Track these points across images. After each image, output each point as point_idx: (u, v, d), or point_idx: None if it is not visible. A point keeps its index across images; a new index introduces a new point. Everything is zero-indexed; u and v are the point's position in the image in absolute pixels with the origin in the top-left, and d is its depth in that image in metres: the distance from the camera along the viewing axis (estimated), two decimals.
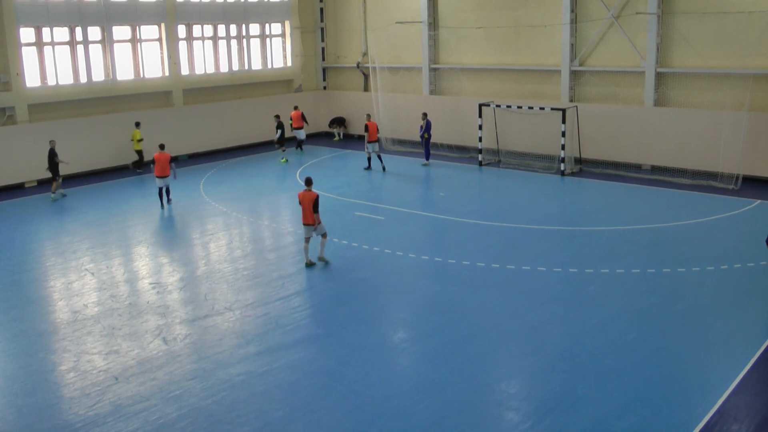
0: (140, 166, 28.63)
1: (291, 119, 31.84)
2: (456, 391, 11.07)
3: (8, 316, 14.69)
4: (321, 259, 17.19)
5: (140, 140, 28.31)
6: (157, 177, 22.57)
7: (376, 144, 27.48)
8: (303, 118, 31.95)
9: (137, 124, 28.48)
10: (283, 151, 30.06)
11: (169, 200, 23.18)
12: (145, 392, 11.36)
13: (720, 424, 10.05)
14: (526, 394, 11.10)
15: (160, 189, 22.88)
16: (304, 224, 16.97)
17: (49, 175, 24.69)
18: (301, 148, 32.21)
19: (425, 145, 28.51)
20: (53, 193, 24.52)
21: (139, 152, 28.47)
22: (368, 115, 28.33)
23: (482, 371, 11.79)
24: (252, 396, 11.14)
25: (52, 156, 24.30)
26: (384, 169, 27.41)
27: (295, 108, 32.56)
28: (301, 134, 31.99)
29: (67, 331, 13.84)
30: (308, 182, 17.08)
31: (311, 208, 16.68)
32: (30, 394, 11.47)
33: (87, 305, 15.07)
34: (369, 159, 27.79)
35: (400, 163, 29.21)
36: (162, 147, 23.03)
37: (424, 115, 28.24)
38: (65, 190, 25.34)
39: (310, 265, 17.01)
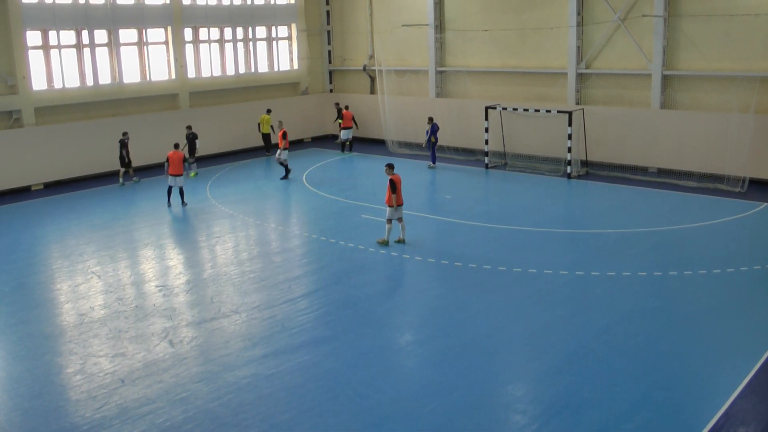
0: (269, 149, 31.96)
1: (342, 119, 32.25)
2: (462, 394, 11.07)
3: (15, 318, 14.73)
4: (403, 239, 18.68)
5: (271, 126, 31.51)
6: (171, 175, 23.02)
7: (287, 151, 27.15)
8: (353, 119, 32.62)
9: (269, 111, 31.89)
10: (191, 165, 27.98)
11: (183, 203, 23.41)
12: (152, 395, 11.38)
13: (726, 427, 10.02)
14: (532, 396, 11.09)
15: (171, 188, 23.28)
16: (399, 206, 18.29)
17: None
18: (350, 149, 32.35)
19: (431, 149, 28.51)
20: (134, 178, 27.23)
21: (267, 135, 31.63)
22: (280, 123, 27.83)
23: (489, 374, 11.78)
24: (258, 399, 11.14)
25: (122, 147, 26.44)
26: (287, 176, 27.20)
27: (347, 108, 32.97)
28: (347, 134, 32.09)
29: (73, 333, 13.88)
30: (393, 167, 18.55)
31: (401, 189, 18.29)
32: (36, 396, 11.50)
33: (93, 308, 15.10)
34: (285, 166, 27.34)
35: (406, 165, 29.19)
36: (177, 146, 23.85)
37: (430, 119, 28.26)
38: (70, 192, 25.51)
39: (399, 241, 18.62)
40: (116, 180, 27.22)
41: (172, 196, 23.46)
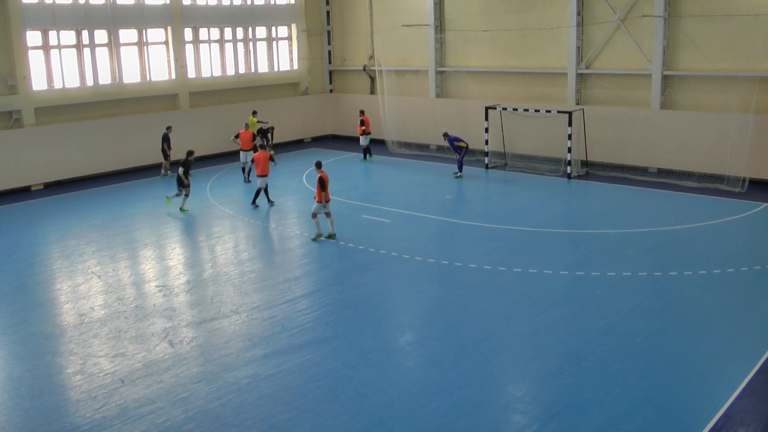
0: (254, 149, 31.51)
1: (363, 123, 30.33)
2: (463, 395, 11.07)
3: (15, 319, 14.73)
4: (333, 234, 19.29)
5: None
6: (258, 176, 22.92)
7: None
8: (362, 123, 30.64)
9: (254, 113, 30.95)
10: None
11: (269, 201, 23.28)
12: (152, 395, 11.38)
13: (726, 428, 10.02)
14: (532, 397, 11.09)
15: (259, 189, 23.13)
16: (327, 202, 18.98)
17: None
18: (369, 155, 30.65)
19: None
20: (164, 170, 27.97)
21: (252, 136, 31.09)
22: (247, 125, 27.67)
23: (489, 374, 11.78)
24: (259, 399, 11.15)
25: (164, 141, 27.47)
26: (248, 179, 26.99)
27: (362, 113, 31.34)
28: (364, 140, 30.40)
29: (73, 333, 13.88)
30: (321, 165, 19.44)
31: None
32: (37, 396, 11.51)
33: (93, 308, 15.11)
34: (244, 170, 27.06)
35: (406, 165, 29.21)
36: (262, 147, 23.61)
37: (445, 135, 27.02)
38: (70, 192, 25.49)
39: (330, 236, 19.21)
40: (116, 180, 27.24)
41: (259, 197, 23.15)
